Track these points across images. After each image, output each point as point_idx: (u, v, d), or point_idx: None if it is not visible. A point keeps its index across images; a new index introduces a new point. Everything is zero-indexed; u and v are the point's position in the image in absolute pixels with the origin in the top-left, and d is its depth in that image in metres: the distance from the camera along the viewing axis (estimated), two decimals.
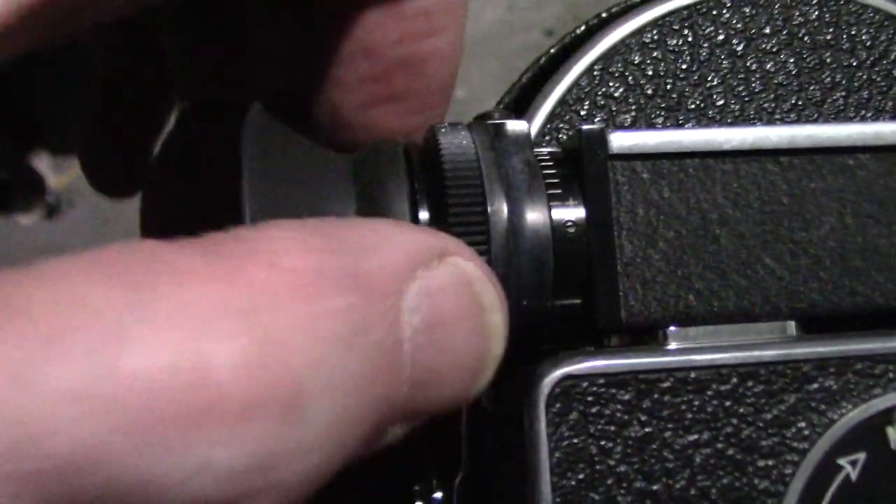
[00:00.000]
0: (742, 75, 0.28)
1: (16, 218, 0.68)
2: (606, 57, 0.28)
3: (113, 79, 0.31)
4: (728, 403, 0.23)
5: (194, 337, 0.15)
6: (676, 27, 0.28)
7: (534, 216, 0.22)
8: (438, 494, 0.29)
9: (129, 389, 0.15)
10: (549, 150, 0.24)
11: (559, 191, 0.23)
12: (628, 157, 0.23)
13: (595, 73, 0.28)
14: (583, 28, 0.30)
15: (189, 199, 0.30)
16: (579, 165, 0.23)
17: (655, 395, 0.23)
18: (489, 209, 0.22)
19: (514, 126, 0.24)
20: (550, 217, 0.23)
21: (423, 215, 0.22)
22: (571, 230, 0.23)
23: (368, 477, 0.31)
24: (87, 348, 0.15)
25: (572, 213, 0.23)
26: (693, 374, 0.23)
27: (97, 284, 0.15)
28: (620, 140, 0.23)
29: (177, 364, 0.15)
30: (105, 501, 0.15)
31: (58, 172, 0.67)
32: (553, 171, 0.23)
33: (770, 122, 0.28)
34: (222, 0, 0.28)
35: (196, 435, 0.15)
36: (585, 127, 0.24)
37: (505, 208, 0.22)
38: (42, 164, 0.70)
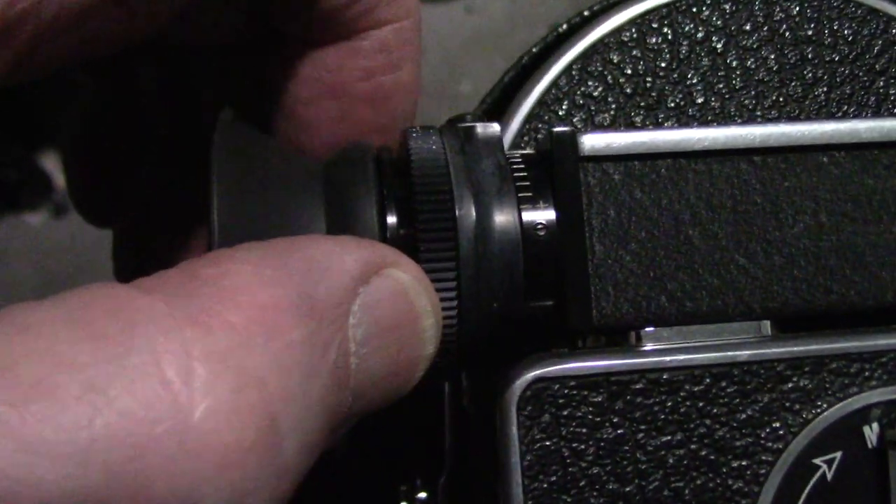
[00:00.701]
0: (722, 73, 0.28)
1: (23, 217, 0.68)
2: (585, 56, 0.28)
3: (95, 108, 0.31)
4: (701, 404, 0.23)
5: (169, 387, 0.16)
6: (656, 25, 0.28)
7: (503, 219, 0.22)
8: (423, 495, 0.29)
9: (110, 440, 0.15)
10: (521, 152, 0.24)
11: (530, 193, 0.23)
12: (600, 158, 0.23)
13: (574, 72, 0.28)
14: (565, 27, 0.30)
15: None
16: (550, 167, 0.23)
17: (628, 397, 0.23)
18: (457, 213, 0.22)
19: (485, 129, 0.24)
20: (520, 219, 0.23)
21: (392, 220, 0.22)
22: (542, 232, 0.23)
23: (354, 478, 0.31)
24: (68, 403, 0.15)
25: (543, 215, 0.23)
26: (666, 375, 0.23)
27: (74, 339, 0.16)
28: (591, 141, 0.23)
29: (156, 415, 0.16)
30: None
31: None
32: (524, 174, 0.23)
33: (751, 119, 0.27)
34: (194, 47, 0.29)
35: (179, 483, 0.16)
36: (556, 129, 0.24)
37: (473, 212, 0.22)
38: (49, 163, 0.70)
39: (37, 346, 0.16)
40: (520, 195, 0.23)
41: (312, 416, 0.18)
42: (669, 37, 0.28)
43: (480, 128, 0.24)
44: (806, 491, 0.23)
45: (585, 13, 0.30)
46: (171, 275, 0.18)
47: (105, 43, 0.23)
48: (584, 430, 0.22)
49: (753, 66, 0.28)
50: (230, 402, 0.16)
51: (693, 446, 0.23)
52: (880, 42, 0.28)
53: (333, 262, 0.19)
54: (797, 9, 0.28)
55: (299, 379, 0.17)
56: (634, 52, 0.28)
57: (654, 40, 0.28)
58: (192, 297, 0.17)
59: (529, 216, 0.23)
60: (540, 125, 0.28)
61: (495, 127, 0.24)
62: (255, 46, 0.28)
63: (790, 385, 0.23)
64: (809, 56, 0.28)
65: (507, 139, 0.27)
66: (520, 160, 0.24)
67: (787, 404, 0.23)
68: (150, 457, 0.15)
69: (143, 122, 0.31)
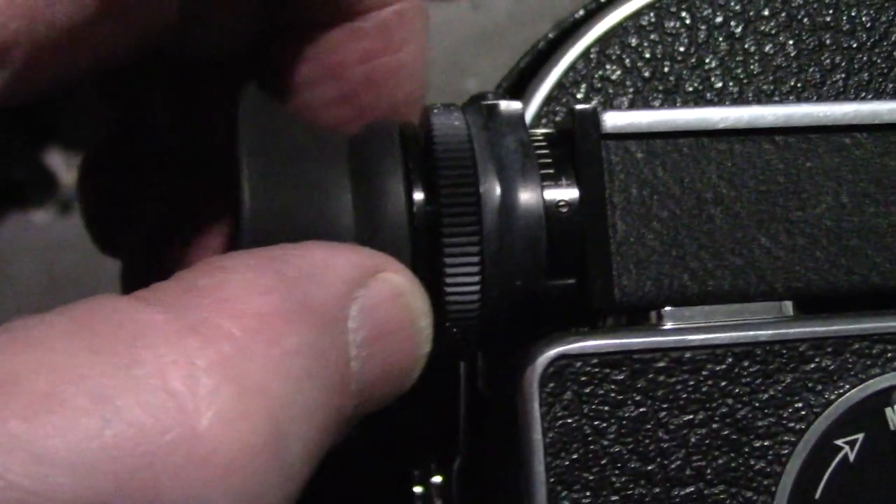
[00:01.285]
0: (740, 57, 0.28)
1: (29, 214, 0.68)
2: (603, 40, 0.28)
3: (107, 135, 0.31)
4: (723, 383, 0.23)
5: (176, 396, 0.16)
6: (674, 9, 0.28)
7: (526, 196, 0.22)
8: (437, 479, 0.29)
9: (120, 450, 0.15)
10: (543, 131, 0.24)
11: (552, 171, 0.23)
12: (622, 136, 0.23)
13: (592, 56, 0.28)
14: (581, 12, 0.30)
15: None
16: (572, 145, 0.23)
17: (650, 375, 0.22)
18: (481, 189, 0.22)
19: (508, 106, 0.24)
20: (543, 197, 0.23)
21: (418, 195, 0.22)
22: (564, 210, 0.23)
23: (368, 463, 0.31)
24: (77, 414, 0.15)
25: (565, 193, 0.23)
26: (688, 354, 0.23)
27: (80, 352, 0.16)
28: (614, 120, 0.23)
29: (163, 424, 0.16)
30: None
31: (70, 169, 0.68)
32: (546, 152, 0.23)
33: (772, 103, 0.27)
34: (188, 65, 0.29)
35: (188, 490, 0.16)
36: (579, 107, 0.23)
37: (497, 188, 0.22)
38: (55, 160, 0.70)
39: (43, 359, 0.16)
40: (542, 172, 0.23)
41: (316, 420, 0.18)
42: (688, 21, 0.28)
43: (503, 105, 0.23)
44: (828, 472, 0.23)
45: None
46: (169, 286, 0.18)
47: (102, 59, 0.23)
48: (606, 408, 0.22)
49: (771, 52, 0.28)
50: (235, 409, 0.17)
51: (715, 426, 0.23)
52: None
53: (328, 268, 0.20)
54: None
55: (300, 384, 0.18)
56: (653, 36, 0.28)
57: (672, 24, 0.28)
58: (191, 309, 0.18)
59: (552, 194, 0.23)
60: (558, 108, 0.28)
61: (517, 104, 0.24)
62: (259, 35, 0.28)
63: (812, 365, 0.23)
64: (827, 42, 0.28)
65: (526, 121, 0.27)
66: (541, 138, 0.24)
67: (810, 385, 0.23)
68: (159, 465, 0.16)
69: (155, 144, 0.31)
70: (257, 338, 0.17)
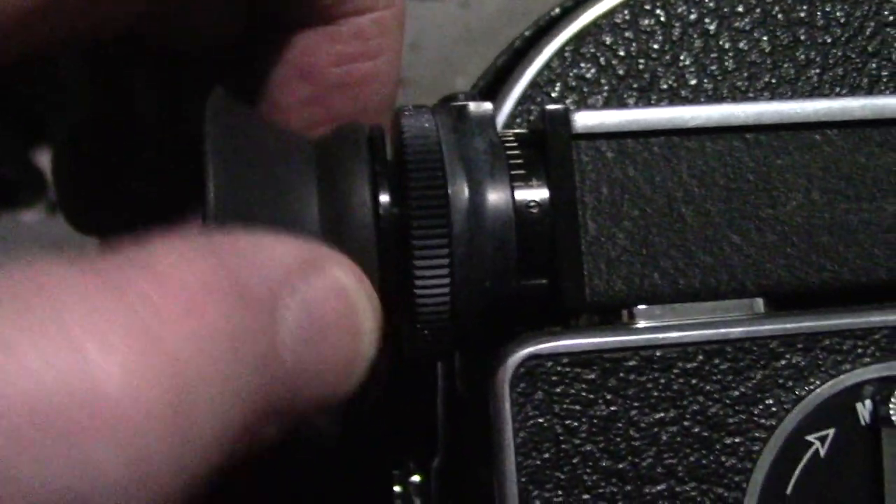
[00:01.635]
0: (715, 54, 0.28)
1: (19, 214, 0.68)
2: (578, 38, 0.28)
3: (89, 114, 0.31)
4: (694, 381, 0.23)
5: (82, 349, 0.16)
6: (648, 7, 0.28)
7: (495, 197, 0.22)
8: (416, 478, 0.29)
9: (12, 397, 0.15)
10: (514, 131, 0.24)
11: (523, 171, 0.23)
12: (592, 136, 0.23)
13: (566, 54, 0.28)
14: (557, 10, 0.30)
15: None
16: (543, 146, 0.23)
17: (621, 374, 0.23)
18: (450, 190, 0.22)
19: (478, 108, 0.24)
20: (513, 197, 0.23)
21: (384, 198, 0.22)
22: (535, 211, 0.23)
23: (348, 463, 0.31)
24: None
25: (536, 193, 0.23)
26: (658, 353, 0.23)
27: None
28: (584, 119, 0.23)
29: (63, 376, 0.16)
30: None
31: None
32: (517, 152, 0.23)
33: (744, 100, 0.27)
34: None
35: (79, 443, 0.16)
36: (550, 107, 0.23)
37: (466, 189, 0.22)
38: (45, 160, 0.70)
39: None
40: (512, 173, 0.23)
41: (236, 403, 0.18)
42: (662, 18, 0.28)
43: (473, 106, 0.24)
44: (799, 467, 0.23)
45: None
46: (102, 253, 0.18)
47: (76, 25, 0.23)
48: (577, 408, 0.22)
49: (746, 48, 0.28)
50: (138, 368, 0.16)
51: (686, 423, 0.23)
52: (872, 24, 0.28)
53: (267, 254, 0.19)
54: None
55: (218, 360, 0.17)
56: (627, 34, 0.28)
57: (646, 22, 0.28)
58: (114, 272, 0.17)
59: (522, 194, 0.23)
60: (532, 107, 0.28)
61: (488, 105, 0.24)
62: (240, 35, 0.28)
63: (783, 362, 0.23)
64: (802, 38, 0.28)
65: (500, 121, 0.27)
66: (512, 139, 0.24)
67: (780, 381, 0.23)
68: (52, 416, 0.15)
69: (136, 128, 0.31)
70: (176, 305, 0.17)
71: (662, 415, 0.23)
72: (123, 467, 0.16)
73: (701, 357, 0.23)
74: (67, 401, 0.15)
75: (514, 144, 0.24)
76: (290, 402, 0.19)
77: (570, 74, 0.28)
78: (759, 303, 0.24)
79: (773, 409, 0.23)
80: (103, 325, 0.16)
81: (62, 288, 0.16)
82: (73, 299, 0.16)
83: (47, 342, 0.16)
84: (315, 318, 0.19)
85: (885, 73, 0.28)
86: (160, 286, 0.17)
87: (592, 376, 0.23)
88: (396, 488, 0.29)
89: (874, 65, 0.28)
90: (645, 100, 0.27)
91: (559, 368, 0.22)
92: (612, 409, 0.23)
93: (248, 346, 0.18)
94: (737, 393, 0.23)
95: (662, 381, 0.23)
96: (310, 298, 0.19)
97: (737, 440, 0.23)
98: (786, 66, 0.28)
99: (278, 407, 0.19)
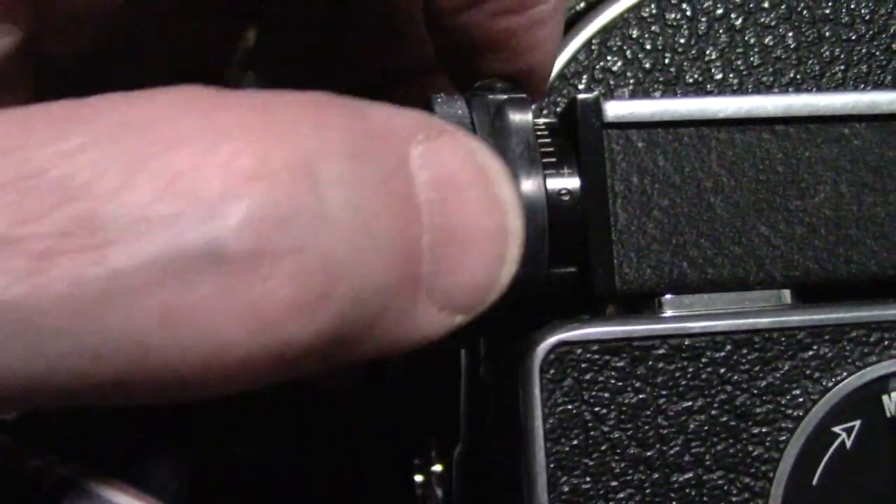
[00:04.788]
0: (740, 49, 0.28)
1: None
2: (605, 31, 0.28)
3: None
4: (722, 370, 0.23)
5: (207, 117, 0.16)
6: (675, 1, 0.28)
7: (529, 185, 0.23)
8: (438, 467, 0.29)
9: (151, 152, 0.15)
10: (545, 120, 0.24)
11: (554, 160, 0.23)
12: (623, 125, 0.23)
13: (593, 47, 0.28)
14: (583, 4, 0.30)
15: None
16: (574, 135, 0.23)
17: (650, 362, 0.23)
18: None
19: (516, 112, 0.23)
20: (545, 186, 0.23)
21: None
22: (566, 199, 0.23)
23: (368, 451, 0.31)
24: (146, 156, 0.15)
25: (567, 182, 0.23)
26: (687, 342, 0.23)
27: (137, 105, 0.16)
28: (615, 109, 0.23)
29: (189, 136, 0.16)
30: (117, 237, 0.15)
31: None
32: (548, 141, 0.23)
33: (772, 93, 0.28)
34: None
35: (205, 188, 0.15)
36: (581, 96, 0.24)
37: (522, 209, 0.22)
38: None
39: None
40: (544, 161, 0.23)
41: (367, 201, 0.17)
42: (688, 13, 0.28)
43: (511, 110, 0.23)
44: (825, 458, 0.23)
45: None
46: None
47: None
48: (606, 395, 0.23)
49: (771, 44, 0.28)
50: (260, 132, 0.16)
51: (714, 412, 0.23)
52: None
53: (394, 109, 0.18)
54: None
55: (341, 153, 0.16)
56: (654, 28, 0.28)
57: (673, 16, 0.28)
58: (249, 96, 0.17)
59: (553, 183, 0.23)
60: (559, 98, 0.28)
61: (526, 106, 0.23)
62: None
63: (810, 353, 0.23)
64: (827, 34, 0.28)
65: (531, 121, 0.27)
66: (543, 128, 0.24)
67: (808, 372, 0.23)
68: (180, 164, 0.15)
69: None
70: (307, 121, 0.17)
71: (690, 403, 0.23)
72: (252, 206, 0.15)
73: (729, 347, 0.23)
74: (196, 161, 0.15)
75: (546, 133, 0.24)
76: (443, 270, 0.18)
77: (597, 67, 0.28)
78: (787, 294, 0.24)
79: (800, 399, 0.23)
80: (230, 103, 0.16)
81: (219, 106, 0.16)
82: (225, 113, 0.16)
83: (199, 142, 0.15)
84: (444, 171, 0.18)
85: None
86: (288, 103, 0.17)
87: (621, 364, 0.23)
88: (418, 478, 0.29)
89: None
90: (670, 93, 0.28)
91: (588, 356, 0.23)
92: (641, 396, 0.23)
93: (374, 162, 0.17)
94: (764, 383, 0.23)
95: (691, 369, 0.23)
96: (434, 152, 0.18)
97: (764, 430, 0.23)
98: (810, 62, 0.28)
99: (431, 271, 0.18)
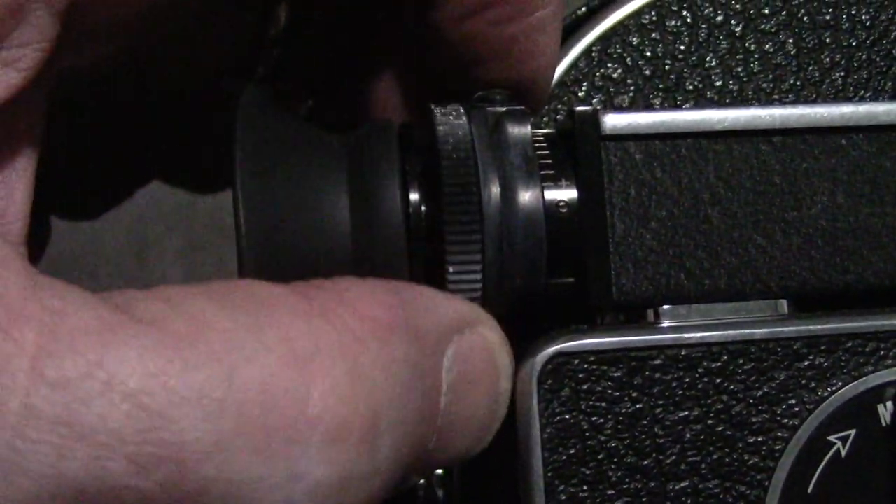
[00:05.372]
0: (741, 56, 0.28)
1: None
2: (605, 38, 0.28)
3: None
4: (718, 380, 0.23)
5: (299, 363, 0.18)
6: (675, 8, 0.28)
7: (527, 197, 0.23)
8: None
9: (244, 396, 0.17)
10: (543, 131, 0.25)
11: (552, 171, 0.23)
12: (621, 137, 0.24)
13: (593, 54, 0.28)
14: (583, 10, 0.30)
15: None
16: (572, 147, 0.24)
17: (646, 372, 0.23)
18: (482, 190, 0.22)
19: (514, 125, 0.23)
20: (543, 198, 0.23)
21: (414, 196, 0.23)
22: (564, 210, 0.23)
23: None
24: (210, 357, 0.17)
25: (565, 193, 0.23)
26: (684, 352, 0.23)
27: (215, 307, 0.18)
28: (613, 121, 0.24)
29: (282, 383, 0.17)
30: (208, 491, 0.17)
31: None
32: (547, 153, 0.24)
33: (768, 102, 0.28)
34: None
35: (293, 447, 0.17)
36: (579, 108, 0.24)
37: (498, 190, 0.23)
38: None
39: (181, 308, 0.18)
40: (542, 173, 0.23)
41: (405, 429, 0.19)
42: (689, 20, 0.28)
43: (510, 122, 0.23)
44: (820, 467, 0.23)
45: None
46: (298, 282, 0.20)
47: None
48: (603, 405, 0.23)
49: (771, 50, 0.28)
50: (344, 387, 0.18)
51: (710, 422, 0.23)
52: None
53: (437, 305, 0.21)
54: None
55: (399, 390, 0.19)
56: (654, 35, 0.28)
57: (673, 23, 0.28)
58: (319, 299, 0.19)
59: (552, 194, 0.23)
60: (559, 106, 0.28)
61: (526, 128, 0.24)
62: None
63: (806, 363, 0.23)
64: (827, 41, 0.28)
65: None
66: (541, 139, 0.24)
67: (803, 382, 0.23)
68: (273, 418, 0.17)
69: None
70: (373, 336, 0.19)
71: (687, 413, 0.23)
72: (326, 476, 0.18)
73: (725, 357, 0.23)
74: (286, 409, 0.17)
75: (544, 144, 0.24)
76: (437, 451, 0.21)
77: (597, 74, 0.28)
78: (784, 304, 0.24)
79: (796, 409, 0.23)
80: (315, 345, 0.18)
81: (282, 305, 0.19)
82: (291, 316, 0.18)
83: (272, 354, 0.18)
84: (465, 371, 0.21)
85: None
86: (357, 318, 0.19)
87: (618, 374, 0.23)
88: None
89: None
90: (671, 100, 0.28)
91: (586, 366, 0.23)
92: (638, 406, 0.23)
93: (419, 381, 0.20)
94: (760, 393, 0.23)
95: (687, 379, 0.23)
96: (463, 352, 0.21)
97: (759, 439, 0.23)
98: (811, 68, 0.28)
99: (428, 454, 0.21)
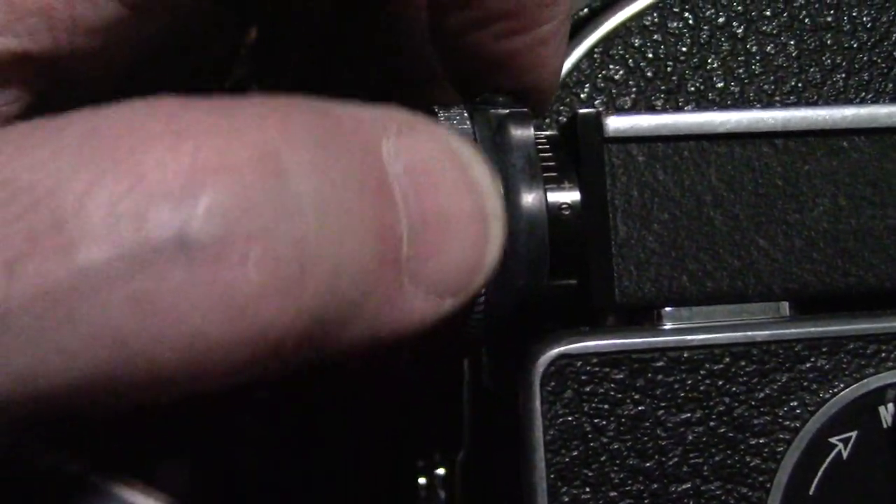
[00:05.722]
0: (742, 58, 0.28)
1: None
2: (607, 40, 0.28)
3: None
4: (721, 382, 0.23)
5: (172, 123, 0.16)
6: (677, 10, 0.28)
7: (530, 199, 0.23)
8: (441, 471, 0.29)
9: (111, 157, 0.16)
10: (545, 133, 0.25)
11: (555, 174, 0.23)
12: (624, 140, 0.24)
13: (595, 55, 0.28)
14: (585, 11, 0.30)
15: None
16: (575, 149, 0.24)
17: (649, 374, 0.23)
18: None
19: (517, 127, 0.23)
20: (546, 200, 0.23)
21: None
22: (567, 213, 0.23)
23: (372, 454, 0.31)
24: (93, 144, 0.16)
25: (568, 195, 0.23)
26: (686, 354, 0.23)
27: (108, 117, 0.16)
28: (616, 123, 0.24)
29: (152, 144, 0.16)
30: (82, 238, 0.15)
31: None
32: (549, 155, 0.24)
33: (770, 104, 0.28)
34: None
35: (169, 184, 0.16)
36: (581, 111, 0.24)
37: (501, 191, 0.23)
38: None
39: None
40: (545, 175, 0.23)
41: (335, 191, 0.17)
42: (690, 21, 0.28)
43: (513, 125, 0.23)
44: (822, 469, 0.23)
45: None
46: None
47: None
48: (605, 407, 0.23)
49: (773, 52, 0.28)
50: (222, 133, 0.16)
51: (712, 424, 0.23)
52: None
53: (362, 108, 0.18)
54: None
55: (307, 148, 0.17)
56: (656, 37, 0.28)
57: (675, 25, 0.28)
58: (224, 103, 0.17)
59: (554, 196, 0.23)
60: (562, 107, 0.28)
61: (529, 130, 0.24)
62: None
63: (808, 365, 0.23)
64: (828, 42, 0.28)
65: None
66: (544, 141, 0.24)
67: (805, 384, 0.23)
68: (142, 168, 0.16)
69: None
70: (265, 108, 0.17)
71: (689, 415, 0.23)
72: (217, 196, 0.16)
73: (727, 359, 0.23)
74: (159, 159, 0.16)
75: (547, 147, 0.24)
76: (425, 254, 0.18)
77: (599, 76, 0.28)
78: (785, 306, 0.24)
79: (798, 411, 0.23)
80: (192, 108, 0.16)
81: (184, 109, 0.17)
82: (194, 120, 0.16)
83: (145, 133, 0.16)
84: (416, 160, 0.18)
85: None
86: (248, 100, 0.17)
87: (621, 376, 0.23)
88: (421, 480, 0.29)
89: None
90: (672, 102, 0.28)
91: (588, 368, 0.23)
92: (640, 408, 0.23)
93: (343, 156, 0.17)
94: (762, 395, 0.23)
95: (689, 381, 0.23)
96: (405, 144, 0.18)
97: (761, 441, 0.23)
98: (812, 70, 0.28)
99: (413, 255, 0.18)
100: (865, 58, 0.28)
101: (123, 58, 0.22)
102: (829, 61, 0.28)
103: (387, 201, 0.18)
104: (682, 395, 0.23)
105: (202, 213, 0.15)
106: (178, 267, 0.15)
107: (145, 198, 0.15)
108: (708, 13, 0.28)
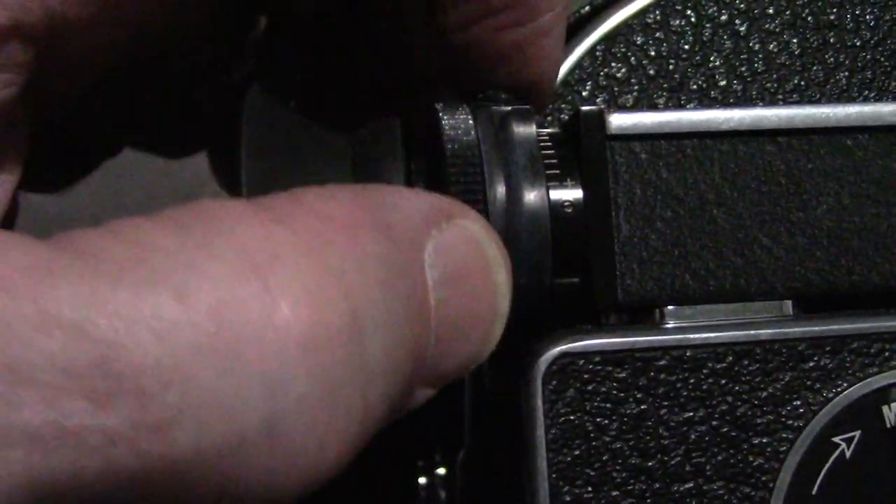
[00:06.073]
0: (745, 56, 0.28)
1: (20, 194, 0.69)
2: (609, 38, 0.28)
3: None
4: (723, 381, 0.23)
5: (257, 271, 0.16)
6: (679, 7, 0.28)
7: (532, 197, 0.23)
8: (441, 470, 0.29)
9: (197, 312, 0.15)
10: (548, 131, 0.25)
11: (558, 171, 0.23)
12: (626, 137, 0.23)
13: (598, 53, 0.28)
14: (587, 8, 0.30)
15: None
16: (578, 146, 0.24)
17: (651, 373, 0.23)
18: (488, 190, 0.22)
19: (520, 124, 0.23)
20: (549, 197, 0.23)
21: None
22: (569, 210, 0.23)
23: (372, 453, 0.31)
24: (156, 276, 0.16)
25: (570, 193, 0.23)
26: (689, 353, 0.23)
27: (162, 229, 0.16)
28: (619, 121, 0.24)
29: (242, 294, 0.16)
30: (178, 420, 0.15)
31: None
32: (552, 152, 0.24)
33: (772, 102, 0.28)
34: None
35: (266, 361, 0.16)
36: (584, 108, 0.24)
37: (504, 189, 0.22)
38: None
39: (123, 235, 0.16)
40: (547, 173, 0.23)
41: (394, 330, 0.18)
42: (693, 19, 0.28)
43: (516, 122, 0.23)
44: (825, 468, 0.23)
45: None
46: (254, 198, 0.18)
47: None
48: (607, 405, 0.23)
49: (776, 50, 0.28)
50: (315, 289, 0.16)
51: (715, 423, 0.23)
52: None
53: (406, 198, 0.19)
54: None
55: (378, 288, 0.17)
56: (658, 35, 0.28)
57: (677, 22, 0.28)
58: (276, 208, 0.18)
59: (557, 194, 0.23)
60: (563, 105, 0.28)
61: (531, 127, 0.24)
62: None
63: (811, 364, 0.23)
64: (831, 41, 0.28)
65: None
66: (546, 138, 0.24)
67: (808, 383, 0.23)
68: (235, 332, 0.16)
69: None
70: (339, 237, 0.17)
71: (691, 414, 0.23)
72: (309, 387, 0.16)
73: (730, 358, 0.23)
74: (249, 323, 0.16)
75: (549, 144, 0.24)
76: (438, 359, 0.19)
77: (601, 74, 0.28)
78: (789, 305, 0.24)
79: (801, 410, 0.23)
80: (277, 252, 0.17)
81: (233, 217, 0.17)
82: (245, 225, 0.17)
83: (227, 267, 0.16)
84: (453, 265, 0.19)
85: None
86: (320, 220, 0.17)
87: (623, 375, 0.23)
88: (422, 480, 0.29)
89: None
90: (675, 100, 0.28)
91: (591, 367, 0.23)
92: (643, 407, 0.23)
93: (402, 278, 0.18)
94: (765, 394, 0.23)
95: (692, 380, 0.23)
96: (445, 245, 0.19)
97: (764, 440, 0.23)
98: (815, 68, 0.28)
99: (429, 362, 0.19)
100: (869, 56, 0.28)
101: (118, 35, 0.21)
102: (832, 59, 0.28)
103: (426, 319, 0.19)
104: (685, 394, 0.23)
105: (295, 403, 0.16)
106: (262, 453, 0.16)
107: (239, 376, 0.16)
108: (710, 11, 0.28)
